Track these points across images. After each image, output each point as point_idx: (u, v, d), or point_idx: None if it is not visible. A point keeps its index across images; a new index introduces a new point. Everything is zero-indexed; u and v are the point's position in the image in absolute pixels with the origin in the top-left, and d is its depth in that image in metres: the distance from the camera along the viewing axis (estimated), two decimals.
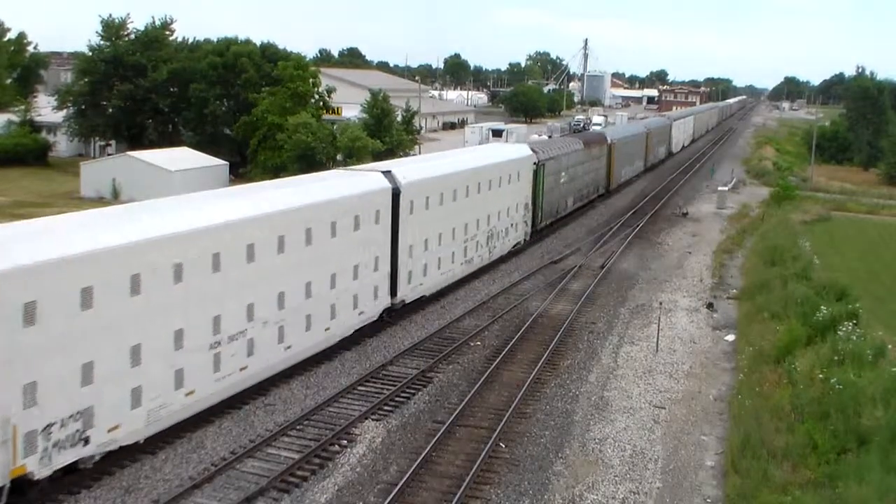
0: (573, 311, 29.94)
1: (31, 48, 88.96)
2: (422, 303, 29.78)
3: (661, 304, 30.02)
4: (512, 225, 38.20)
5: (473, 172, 33.61)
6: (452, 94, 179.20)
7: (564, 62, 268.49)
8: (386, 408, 21.07)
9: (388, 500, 16.34)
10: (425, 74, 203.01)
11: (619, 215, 52.00)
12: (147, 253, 17.03)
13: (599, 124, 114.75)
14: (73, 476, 16.32)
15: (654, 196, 61.33)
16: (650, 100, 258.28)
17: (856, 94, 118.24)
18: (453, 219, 31.27)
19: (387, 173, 27.12)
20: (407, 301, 28.30)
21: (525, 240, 40.53)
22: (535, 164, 41.33)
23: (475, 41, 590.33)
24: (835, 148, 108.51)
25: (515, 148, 43.76)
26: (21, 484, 14.98)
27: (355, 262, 24.66)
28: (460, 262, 32.56)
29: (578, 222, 49.55)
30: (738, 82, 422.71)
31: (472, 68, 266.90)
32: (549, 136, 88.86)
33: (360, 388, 22.24)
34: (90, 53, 68.37)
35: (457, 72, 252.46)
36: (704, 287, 34.92)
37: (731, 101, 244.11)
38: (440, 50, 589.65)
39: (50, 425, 15.21)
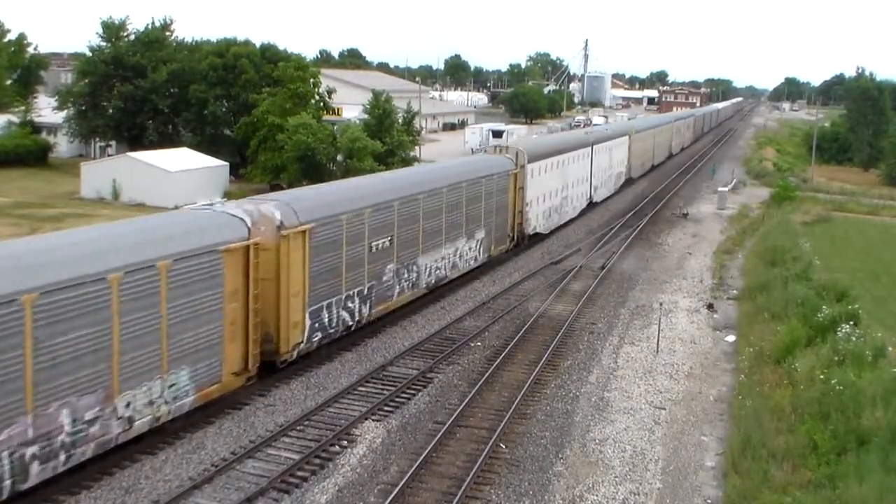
0: (573, 311, 29.95)
1: (31, 49, 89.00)
2: (421, 303, 29.82)
3: (661, 304, 30.01)
4: None
5: None
6: (453, 95, 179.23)
7: (565, 63, 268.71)
8: (386, 408, 21.08)
9: (388, 501, 16.34)
10: (425, 75, 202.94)
11: None
12: None
13: (599, 125, 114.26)
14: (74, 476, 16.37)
15: None
16: (650, 100, 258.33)
17: (856, 95, 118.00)
18: None
19: None
20: None
21: None
22: None
23: (475, 41, 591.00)
24: (835, 149, 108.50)
25: None
26: None
27: None
28: None
29: None
30: (739, 83, 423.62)
31: (472, 69, 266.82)
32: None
33: (360, 388, 22.25)
34: (90, 54, 68.37)
35: (457, 72, 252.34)
36: (705, 288, 34.92)
37: (720, 105, 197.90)
38: (440, 50, 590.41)
39: None
